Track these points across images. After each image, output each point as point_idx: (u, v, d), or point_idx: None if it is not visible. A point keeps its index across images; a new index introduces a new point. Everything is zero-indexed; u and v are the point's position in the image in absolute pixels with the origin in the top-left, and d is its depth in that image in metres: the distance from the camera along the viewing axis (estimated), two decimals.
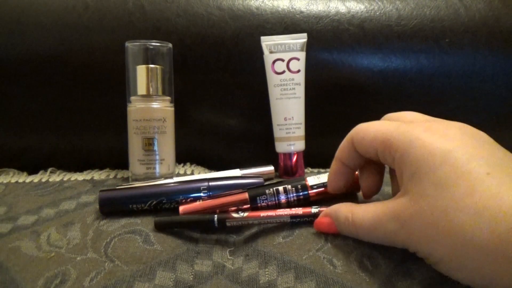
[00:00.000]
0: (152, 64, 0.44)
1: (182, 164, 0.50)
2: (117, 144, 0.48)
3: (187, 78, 0.48)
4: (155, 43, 0.45)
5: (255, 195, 0.35)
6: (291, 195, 0.36)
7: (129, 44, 0.45)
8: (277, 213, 0.33)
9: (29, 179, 0.47)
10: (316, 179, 0.36)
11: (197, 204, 0.35)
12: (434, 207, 0.22)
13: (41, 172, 0.49)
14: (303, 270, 0.28)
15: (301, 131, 0.46)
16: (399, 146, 0.25)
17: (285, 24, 0.49)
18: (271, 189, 0.36)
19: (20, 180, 0.47)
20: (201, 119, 0.50)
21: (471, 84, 0.50)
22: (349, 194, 0.37)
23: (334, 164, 0.33)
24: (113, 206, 0.36)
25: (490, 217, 0.20)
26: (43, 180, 0.46)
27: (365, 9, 0.50)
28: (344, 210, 0.29)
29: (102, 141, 0.50)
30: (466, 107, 0.51)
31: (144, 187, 0.38)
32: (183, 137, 0.48)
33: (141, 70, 0.44)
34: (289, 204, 0.36)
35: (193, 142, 0.51)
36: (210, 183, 0.38)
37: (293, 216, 0.33)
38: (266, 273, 0.28)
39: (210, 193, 0.37)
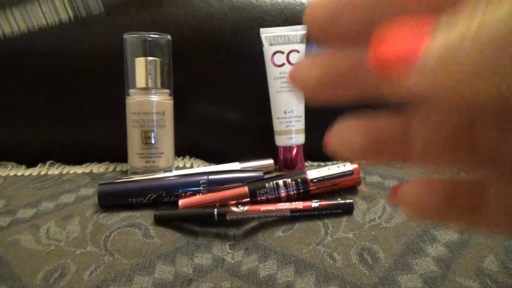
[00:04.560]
0: (150, 56, 0.43)
1: (181, 158, 0.50)
2: (116, 137, 0.48)
3: (186, 71, 0.48)
4: (153, 35, 0.45)
5: (255, 188, 0.35)
6: (291, 189, 0.36)
7: (127, 36, 0.44)
8: (277, 207, 0.32)
9: (27, 172, 0.47)
10: (316, 172, 0.36)
11: (197, 198, 0.35)
12: None
13: (39, 165, 0.49)
14: (303, 264, 0.28)
15: (301, 124, 0.46)
16: None
17: (285, 16, 0.48)
18: (271, 183, 0.35)
19: (19, 173, 0.46)
20: (200, 112, 0.50)
21: None
22: (349, 189, 0.37)
23: None
24: (112, 200, 0.36)
25: None
26: (42, 173, 0.46)
27: None
28: None
29: (101, 134, 0.50)
30: None
31: (143, 180, 0.38)
32: (182, 130, 0.48)
33: (139, 63, 0.43)
34: (289, 198, 0.36)
35: (193, 135, 0.51)
36: (210, 177, 0.38)
37: (293, 210, 0.32)
38: (266, 266, 0.28)
39: (209, 187, 0.37)
